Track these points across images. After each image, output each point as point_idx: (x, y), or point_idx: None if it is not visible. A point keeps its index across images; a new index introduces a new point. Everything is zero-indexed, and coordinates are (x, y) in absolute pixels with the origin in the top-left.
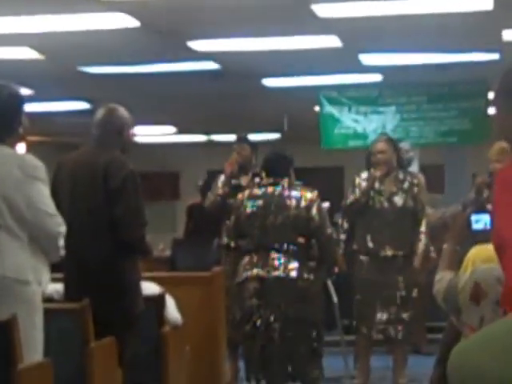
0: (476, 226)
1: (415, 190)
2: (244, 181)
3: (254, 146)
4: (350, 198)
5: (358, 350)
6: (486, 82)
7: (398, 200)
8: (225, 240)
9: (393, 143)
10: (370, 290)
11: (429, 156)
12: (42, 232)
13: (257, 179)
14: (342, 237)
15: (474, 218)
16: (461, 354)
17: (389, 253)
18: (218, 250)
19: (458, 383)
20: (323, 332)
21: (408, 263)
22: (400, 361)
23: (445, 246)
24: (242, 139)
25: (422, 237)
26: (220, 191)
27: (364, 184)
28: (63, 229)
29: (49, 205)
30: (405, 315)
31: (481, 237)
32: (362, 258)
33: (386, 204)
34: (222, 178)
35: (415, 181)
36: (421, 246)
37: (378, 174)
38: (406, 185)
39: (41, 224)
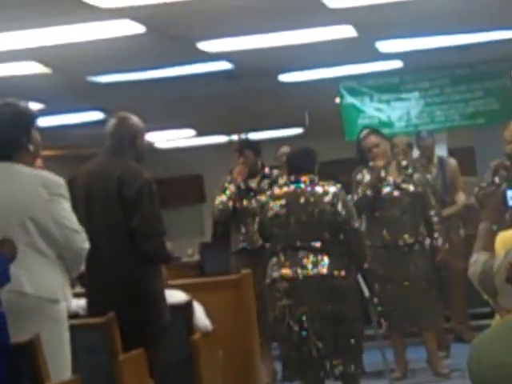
0: None
1: (419, 174)
2: (253, 183)
3: (256, 147)
4: (358, 195)
5: (392, 343)
6: (510, 59)
7: (408, 186)
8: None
9: (380, 134)
10: (389, 283)
11: (457, 139)
12: (70, 249)
13: (281, 180)
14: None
15: (510, 193)
16: (478, 348)
17: (409, 241)
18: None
19: (478, 378)
20: (361, 328)
21: (426, 250)
22: (433, 350)
23: (480, 225)
24: (243, 147)
25: (436, 223)
26: (230, 203)
27: (368, 177)
28: (88, 245)
29: (74, 222)
30: (428, 303)
31: None
32: (379, 251)
33: (396, 193)
34: (225, 184)
35: (417, 165)
36: (438, 230)
37: (380, 163)
38: (410, 170)
39: (69, 241)
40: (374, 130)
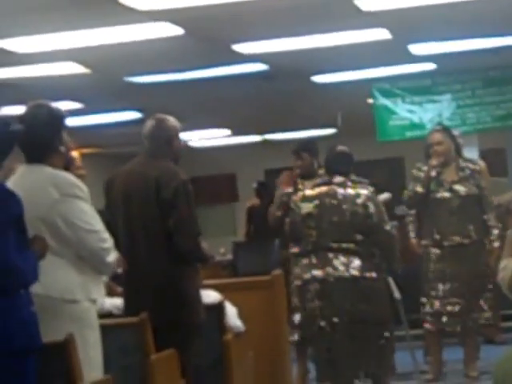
0: None
1: (477, 176)
2: (309, 186)
3: (313, 149)
4: (409, 191)
5: (428, 344)
6: None
7: (460, 188)
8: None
9: (449, 133)
10: (438, 282)
11: (488, 140)
12: (84, 249)
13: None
14: (411, 229)
15: None
16: (504, 366)
17: (455, 242)
18: (280, 251)
19: None
20: (391, 329)
21: (475, 251)
22: (471, 353)
23: (509, 231)
24: (299, 149)
25: (493, 226)
26: (278, 213)
27: (422, 174)
28: (107, 245)
29: (88, 221)
30: (475, 305)
31: None
32: (430, 250)
33: (447, 194)
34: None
35: (477, 167)
36: (494, 232)
37: (434, 162)
38: (466, 172)
39: (82, 241)
40: (444, 128)
